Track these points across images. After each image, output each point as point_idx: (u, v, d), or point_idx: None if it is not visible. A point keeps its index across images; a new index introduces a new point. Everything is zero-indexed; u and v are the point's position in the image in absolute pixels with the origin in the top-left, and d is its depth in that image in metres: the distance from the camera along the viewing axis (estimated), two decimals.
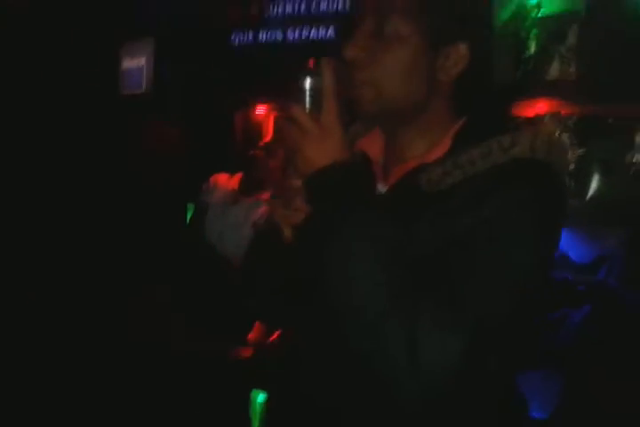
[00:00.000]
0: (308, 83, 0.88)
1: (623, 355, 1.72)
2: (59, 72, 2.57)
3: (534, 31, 1.98)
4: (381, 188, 0.98)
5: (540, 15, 1.99)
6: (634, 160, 1.88)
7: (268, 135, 2.48)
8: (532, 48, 1.98)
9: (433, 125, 0.95)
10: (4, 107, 2.50)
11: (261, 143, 2.24)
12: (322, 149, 0.87)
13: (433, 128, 0.95)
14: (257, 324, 1.92)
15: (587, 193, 1.92)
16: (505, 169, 0.88)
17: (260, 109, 2.42)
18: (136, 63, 2.45)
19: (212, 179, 2.19)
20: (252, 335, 1.92)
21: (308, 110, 0.87)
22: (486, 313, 0.82)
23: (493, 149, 0.90)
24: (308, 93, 0.88)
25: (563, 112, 1.97)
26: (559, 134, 1.94)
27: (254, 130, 2.59)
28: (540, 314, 1.00)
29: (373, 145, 1.01)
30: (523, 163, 0.88)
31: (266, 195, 1.94)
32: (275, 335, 1.84)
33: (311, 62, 0.90)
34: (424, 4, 0.91)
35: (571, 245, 2.06)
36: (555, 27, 1.96)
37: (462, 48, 0.91)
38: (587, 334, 1.85)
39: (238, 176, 2.14)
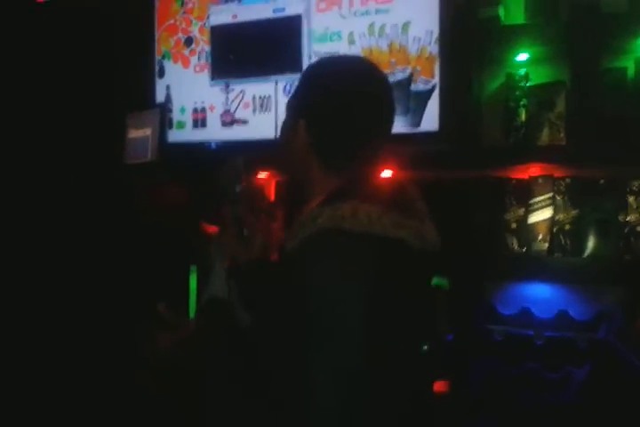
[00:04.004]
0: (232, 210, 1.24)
1: (626, 413, 1.73)
2: (66, 141, 2.65)
3: (524, 100, 2.08)
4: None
5: (528, 85, 2.10)
6: (627, 219, 1.94)
7: (270, 199, 2.55)
8: (523, 116, 2.07)
9: (317, 188, 1.17)
10: (13, 176, 2.57)
11: (263, 206, 2.30)
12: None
13: (317, 190, 1.17)
14: None
15: (584, 252, 1.97)
16: (310, 239, 1.03)
17: (262, 174, 2.49)
18: (142, 133, 2.53)
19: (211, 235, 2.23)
20: None
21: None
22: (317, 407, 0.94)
23: (307, 219, 1.06)
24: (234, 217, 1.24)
25: (555, 175, 2.04)
26: (553, 196, 2.02)
27: (256, 194, 2.67)
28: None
29: None
30: (322, 232, 1.02)
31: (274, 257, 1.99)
32: None
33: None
34: (289, 98, 1.26)
35: (570, 302, 2.10)
36: (543, 95, 2.05)
37: (301, 123, 1.16)
38: (588, 393, 1.86)
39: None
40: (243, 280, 1.15)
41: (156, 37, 2.59)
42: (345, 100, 1.15)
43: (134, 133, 2.55)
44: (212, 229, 2.22)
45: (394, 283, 1.04)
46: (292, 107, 1.23)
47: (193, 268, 2.54)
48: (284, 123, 1.26)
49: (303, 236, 1.04)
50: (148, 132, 2.49)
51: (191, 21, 2.52)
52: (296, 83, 1.27)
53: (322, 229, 1.02)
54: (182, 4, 2.54)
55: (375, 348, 0.98)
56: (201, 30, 2.50)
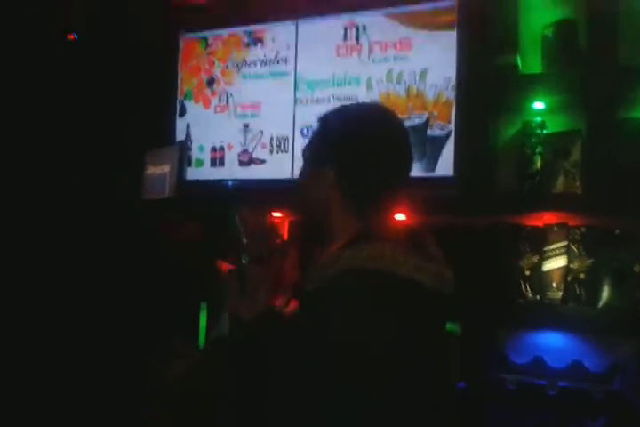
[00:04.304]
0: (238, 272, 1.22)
1: None
2: (87, 176, 2.69)
3: (539, 148, 2.09)
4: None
5: (544, 132, 2.11)
6: None
7: (284, 238, 2.56)
8: (538, 163, 2.08)
9: (338, 233, 1.18)
10: (35, 211, 2.61)
11: (277, 244, 2.31)
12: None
13: (339, 235, 1.17)
14: None
15: (598, 302, 1.95)
16: (334, 280, 1.03)
17: (277, 213, 2.51)
18: (160, 170, 2.57)
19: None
20: None
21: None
22: None
23: (328, 261, 1.08)
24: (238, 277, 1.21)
25: (570, 223, 2.03)
26: (567, 244, 2.01)
27: (270, 233, 2.68)
28: None
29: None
30: (346, 273, 1.04)
31: (281, 297, 1.99)
32: None
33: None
34: (309, 145, 1.27)
35: (584, 353, 2.07)
36: (559, 144, 2.06)
37: (329, 173, 1.17)
38: None
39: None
40: (250, 337, 1.14)
41: (179, 77, 2.66)
42: (373, 148, 1.18)
43: (153, 170, 2.59)
44: (227, 266, 2.23)
45: (417, 325, 1.05)
46: (316, 155, 1.24)
47: (203, 305, 2.54)
48: (305, 168, 1.27)
49: (325, 277, 1.05)
50: (166, 168, 2.53)
51: (214, 62, 2.58)
52: (315, 129, 1.28)
53: (346, 271, 1.03)
54: (206, 47, 2.60)
55: (401, 390, 0.99)
56: (223, 72, 2.55)
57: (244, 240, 1.22)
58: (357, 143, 1.18)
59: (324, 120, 1.26)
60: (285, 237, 2.59)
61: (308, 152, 1.26)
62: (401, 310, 1.02)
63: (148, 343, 2.16)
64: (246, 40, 2.50)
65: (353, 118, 1.21)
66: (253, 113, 2.47)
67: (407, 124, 2.03)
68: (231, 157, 2.51)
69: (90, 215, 2.64)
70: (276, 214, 2.52)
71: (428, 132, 2.11)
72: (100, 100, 2.75)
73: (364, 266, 1.03)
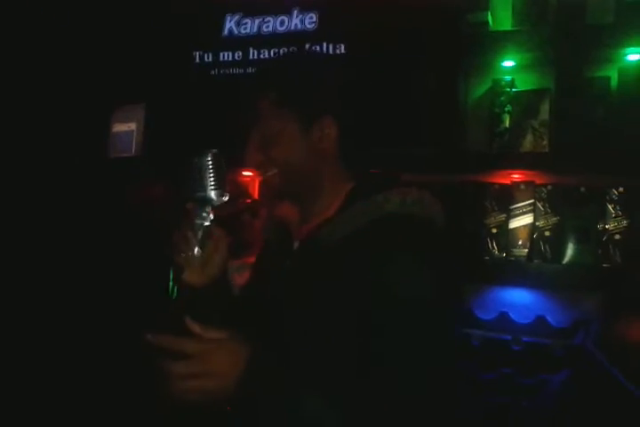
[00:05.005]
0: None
1: (600, 421, 1.74)
2: (50, 135, 2.63)
3: (508, 106, 2.09)
4: (296, 244, 1.13)
5: (513, 91, 2.11)
6: (606, 227, 1.95)
7: (254, 197, 2.54)
8: (507, 122, 2.08)
9: (329, 188, 1.11)
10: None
11: (246, 203, 2.29)
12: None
13: (329, 191, 1.11)
14: None
15: (563, 259, 1.99)
16: (380, 223, 1.00)
17: (247, 173, 2.48)
18: (126, 128, 2.51)
19: None
20: None
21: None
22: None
23: (370, 205, 1.03)
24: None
25: (537, 181, 2.05)
26: (534, 203, 2.03)
27: (240, 192, 2.65)
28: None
29: (291, 209, 1.17)
30: (395, 217, 1.01)
31: (252, 258, 1.98)
32: None
33: None
34: (290, 93, 1.08)
35: (548, 309, 2.11)
36: (528, 102, 2.07)
37: (328, 120, 1.07)
38: (565, 400, 1.87)
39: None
40: (200, 306, 1.09)
41: None
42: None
43: (118, 128, 2.53)
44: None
45: (453, 266, 1.07)
46: (300, 106, 1.07)
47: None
48: (276, 127, 1.08)
49: (360, 223, 1.02)
50: (132, 126, 2.48)
51: None
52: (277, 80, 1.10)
53: (391, 215, 1.02)
54: None
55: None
56: None
57: (212, 191, 1.05)
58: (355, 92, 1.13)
59: (296, 64, 1.14)
60: (256, 195, 2.57)
61: (283, 106, 1.07)
62: (443, 251, 1.06)
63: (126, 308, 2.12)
64: None
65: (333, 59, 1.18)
66: None
67: None
68: None
69: (55, 177, 2.58)
70: (246, 173, 2.49)
71: None
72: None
73: (405, 211, 1.03)
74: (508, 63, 2.13)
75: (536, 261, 2.01)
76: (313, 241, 1.06)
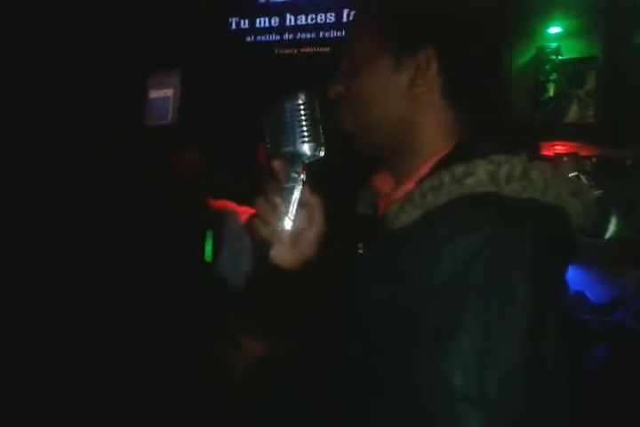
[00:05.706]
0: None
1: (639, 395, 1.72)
2: (86, 102, 2.63)
3: (553, 75, 2.03)
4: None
5: (559, 59, 2.04)
6: None
7: None
8: (551, 91, 2.02)
9: (424, 151, 0.80)
10: (31, 136, 2.56)
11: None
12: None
13: (423, 154, 0.80)
14: None
15: (604, 233, 1.94)
16: (458, 207, 0.71)
17: None
18: (163, 94, 2.50)
19: (223, 208, 2.19)
20: None
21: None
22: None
23: (445, 180, 0.73)
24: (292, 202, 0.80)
25: (580, 154, 2.00)
26: (577, 175, 1.98)
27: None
28: None
29: (386, 179, 0.87)
30: (479, 199, 0.71)
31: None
32: None
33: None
34: (381, 21, 0.81)
35: (588, 285, 2.07)
36: (574, 71, 2.00)
37: (428, 52, 0.78)
38: (602, 375, 1.85)
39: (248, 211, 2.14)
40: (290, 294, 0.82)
41: None
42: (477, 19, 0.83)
43: (155, 95, 2.52)
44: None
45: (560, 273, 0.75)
46: (391, 37, 0.80)
47: (209, 233, 2.52)
48: (357, 65, 0.82)
49: (437, 202, 0.73)
50: (169, 93, 2.47)
51: None
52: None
53: (472, 197, 0.71)
54: None
55: None
56: None
57: (305, 144, 0.78)
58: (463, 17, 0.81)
59: None
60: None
61: (377, 43, 0.81)
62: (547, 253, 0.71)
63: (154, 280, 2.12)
64: None
65: None
66: None
67: None
68: None
69: (88, 148, 2.58)
70: None
71: None
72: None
73: (496, 190, 0.71)
74: (554, 29, 2.06)
75: (577, 235, 1.97)
76: (377, 228, 0.80)
